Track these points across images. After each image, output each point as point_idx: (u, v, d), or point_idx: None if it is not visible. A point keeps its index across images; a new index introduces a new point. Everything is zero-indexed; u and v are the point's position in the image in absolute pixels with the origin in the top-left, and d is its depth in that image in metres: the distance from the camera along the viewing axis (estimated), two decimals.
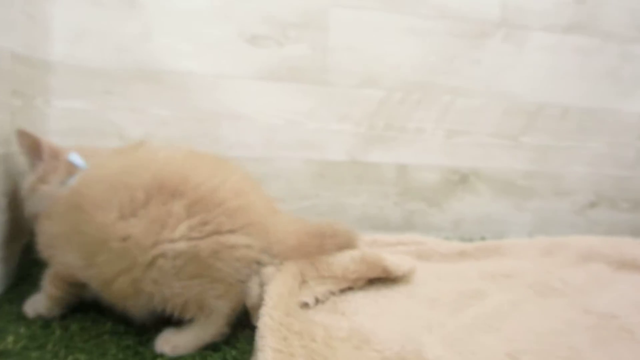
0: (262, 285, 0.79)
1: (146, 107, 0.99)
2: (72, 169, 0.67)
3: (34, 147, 0.69)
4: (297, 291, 0.60)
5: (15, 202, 0.74)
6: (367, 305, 0.64)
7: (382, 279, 0.72)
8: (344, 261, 0.67)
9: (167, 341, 0.57)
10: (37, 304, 0.64)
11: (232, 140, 1.03)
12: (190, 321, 0.59)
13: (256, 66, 1.02)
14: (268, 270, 0.83)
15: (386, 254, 0.69)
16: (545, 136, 1.18)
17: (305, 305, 0.63)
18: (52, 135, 0.93)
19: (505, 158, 1.17)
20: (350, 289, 0.69)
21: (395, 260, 0.69)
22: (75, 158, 0.68)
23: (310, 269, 0.64)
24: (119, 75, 0.97)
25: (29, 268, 0.77)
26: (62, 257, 0.61)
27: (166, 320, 0.59)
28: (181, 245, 0.55)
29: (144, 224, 0.55)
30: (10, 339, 0.57)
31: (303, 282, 0.63)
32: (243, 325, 0.62)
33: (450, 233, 1.14)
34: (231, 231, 0.57)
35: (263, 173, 1.04)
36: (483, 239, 1.09)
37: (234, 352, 0.57)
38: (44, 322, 0.62)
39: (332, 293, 0.66)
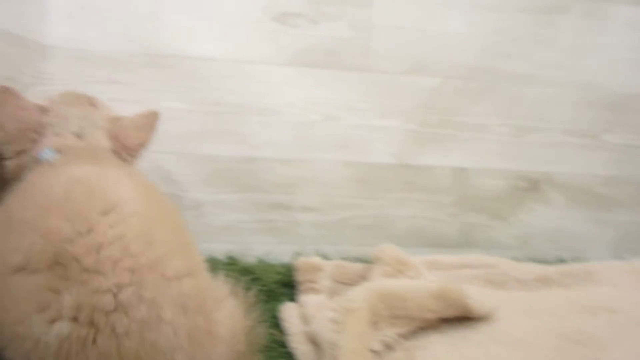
0: (306, 320, 0.70)
1: (156, 99, 0.88)
2: None
3: None
4: (370, 338, 0.51)
5: None
6: (447, 354, 0.53)
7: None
8: (421, 297, 0.56)
9: None
10: None
11: (258, 138, 0.91)
12: None
13: (286, 49, 0.91)
14: (314, 299, 0.74)
15: (467, 288, 0.58)
16: (632, 134, 1.05)
17: (374, 353, 0.52)
18: None
19: (583, 160, 1.04)
20: (422, 329, 0.58)
21: (478, 297, 0.58)
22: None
23: (382, 307, 0.54)
24: (124, 61, 0.86)
25: None
26: None
27: None
28: None
29: None
30: None
31: (373, 322, 0.53)
32: None
33: (517, 251, 1.01)
34: None
35: (294, 177, 0.93)
36: (562, 260, 0.96)
37: None
38: None
39: (403, 336, 0.55)
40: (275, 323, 0.73)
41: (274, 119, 0.91)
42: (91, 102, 0.64)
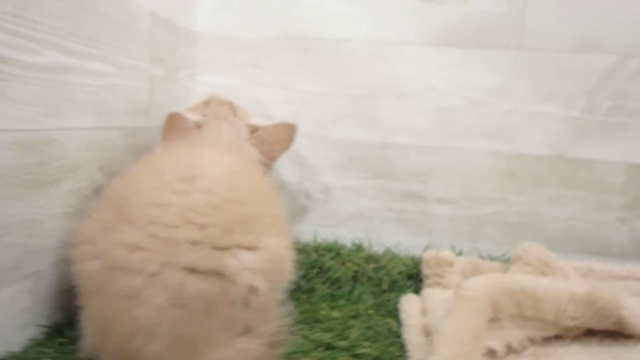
0: (425, 312, 0.73)
1: (294, 82, 0.97)
2: None
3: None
4: (484, 332, 0.51)
5: None
6: None
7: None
8: (561, 299, 0.54)
9: None
10: None
11: (394, 123, 0.95)
12: None
13: (429, 28, 0.93)
14: (438, 294, 0.76)
15: (626, 297, 0.54)
16: None
17: (491, 352, 0.53)
18: None
19: None
20: (559, 337, 0.56)
21: (637, 309, 0.54)
22: None
23: (508, 302, 0.54)
24: (264, 45, 0.97)
25: None
26: None
27: None
28: None
29: None
30: None
31: (494, 319, 0.53)
32: None
33: None
34: None
35: (432, 166, 0.95)
36: None
37: None
38: None
39: (532, 341, 0.54)
40: (393, 313, 0.76)
41: (413, 103, 0.94)
42: (232, 109, 0.76)
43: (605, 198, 0.91)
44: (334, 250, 0.89)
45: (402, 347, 0.67)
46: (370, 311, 0.77)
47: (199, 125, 0.74)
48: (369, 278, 0.85)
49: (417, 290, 0.82)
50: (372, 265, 0.86)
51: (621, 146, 0.90)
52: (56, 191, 0.63)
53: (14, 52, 0.54)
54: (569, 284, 0.65)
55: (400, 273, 0.86)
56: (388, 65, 0.93)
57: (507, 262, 0.84)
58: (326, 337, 0.67)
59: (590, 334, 0.56)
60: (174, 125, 0.72)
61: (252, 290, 0.53)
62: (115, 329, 0.50)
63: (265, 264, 0.54)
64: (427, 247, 0.93)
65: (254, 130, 0.75)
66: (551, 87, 0.90)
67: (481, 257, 0.89)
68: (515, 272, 0.79)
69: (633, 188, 0.90)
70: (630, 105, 0.89)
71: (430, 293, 0.78)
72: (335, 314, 0.74)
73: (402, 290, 0.83)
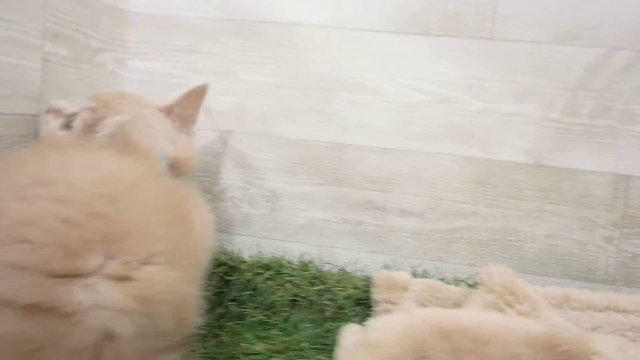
0: None
1: (238, 71, 0.83)
2: None
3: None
4: None
5: None
6: None
7: None
8: (512, 342, 0.45)
9: None
10: None
11: (351, 121, 0.82)
12: None
13: (391, 13, 0.80)
14: None
15: (602, 339, 0.42)
16: None
17: None
18: None
19: None
20: None
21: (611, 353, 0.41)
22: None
23: (440, 347, 0.44)
24: (205, 27, 0.84)
25: None
26: None
27: None
28: None
29: None
30: None
31: None
32: None
33: None
34: None
35: (393, 172, 0.81)
36: None
37: None
38: None
39: None
40: (332, 345, 0.62)
41: (372, 97, 0.81)
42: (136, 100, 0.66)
43: (590, 214, 0.78)
44: (273, 269, 0.74)
45: None
46: (304, 344, 0.64)
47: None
48: (311, 302, 0.71)
49: (365, 319, 0.67)
50: (316, 288, 0.71)
51: (608, 154, 0.77)
52: None
53: None
54: (525, 321, 0.52)
55: (348, 297, 0.73)
56: (344, 54, 0.81)
57: (473, 286, 0.70)
58: None
59: None
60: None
61: (108, 336, 0.38)
62: None
63: (135, 301, 0.40)
64: (385, 267, 0.78)
65: (168, 111, 0.66)
66: (528, 84, 0.78)
67: (446, 280, 0.75)
68: (476, 301, 0.66)
69: (621, 203, 0.78)
70: (618, 106, 0.77)
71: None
72: (259, 347, 0.59)
73: (348, 319, 0.68)
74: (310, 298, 0.71)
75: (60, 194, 0.41)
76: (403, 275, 0.71)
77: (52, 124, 0.62)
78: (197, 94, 0.70)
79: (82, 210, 0.41)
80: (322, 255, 0.82)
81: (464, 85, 0.79)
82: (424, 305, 0.69)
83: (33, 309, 0.36)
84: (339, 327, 0.64)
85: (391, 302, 0.68)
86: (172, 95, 0.68)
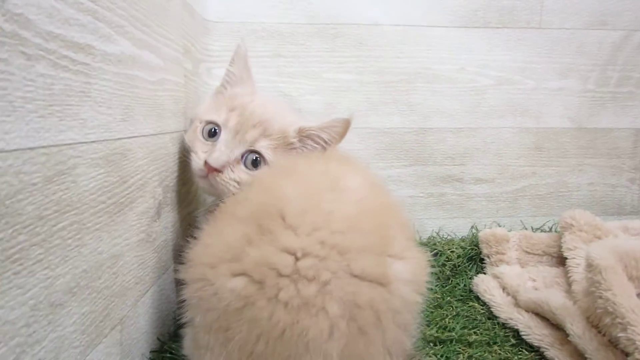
0: (508, 290, 0.68)
1: (322, 71, 0.85)
2: None
3: None
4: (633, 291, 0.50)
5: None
6: None
7: None
8: None
9: None
10: None
11: (428, 107, 0.87)
12: None
13: (455, 10, 0.86)
14: (509, 270, 0.71)
15: None
16: None
17: None
18: None
19: None
20: None
21: None
22: None
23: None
24: (288, 32, 0.84)
25: None
26: None
27: None
28: None
29: None
30: None
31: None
32: None
33: None
34: None
35: (466, 147, 0.89)
36: None
37: None
38: None
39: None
40: (468, 296, 0.71)
41: (445, 86, 0.87)
42: None
43: (618, 162, 0.92)
44: None
45: (504, 327, 0.63)
46: (447, 297, 0.70)
47: None
48: (432, 266, 0.77)
49: (478, 271, 0.77)
50: (430, 252, 0.78)
51: (629, 114, 0.90)
52: (132, 215, 0.47)
53: (92, 39, 0.38)
54: None
55: (459, 256, 0.79)
56: (418, 49, 0.85)
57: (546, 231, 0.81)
58: (431, 332, 0.60)
59: None
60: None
61: (407, 303, 0.45)
62: (277, 348, 0.40)
63: (416, 273, 0.46)
64: (470, 227, 0.87)
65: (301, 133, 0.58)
66: (569, 63, 0.88)
67: (524, 230, 0.85)
68: (573, 239, 0.76)
69: None
70: (636, 75, 0.90)
71: (501, 271, 0.74)
72: None
73: (466, 273, 0.77)
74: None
75: (351, 197, 0.46)
76: (502, 230, 0.78)
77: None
78: (338, 128, 0.57)
79: (370, 208, 0.46)
80: (416, 226, 0.88)
81: (518, 68, 0.87)
82: (525, 252, 0.79)
83: (375, 282, 0.42)
84: (463, 281, 0.74)
85: (501, 253, 0.76)
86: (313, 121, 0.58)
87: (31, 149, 0.30)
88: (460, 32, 0.85)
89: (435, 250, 0.79)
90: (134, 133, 0.47)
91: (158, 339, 0.55)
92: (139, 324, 0.49)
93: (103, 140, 0.40)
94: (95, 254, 0.39)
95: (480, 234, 0.79)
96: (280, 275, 0.40)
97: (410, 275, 0.45)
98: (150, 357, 0.51)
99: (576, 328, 0.54)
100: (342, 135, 0.57)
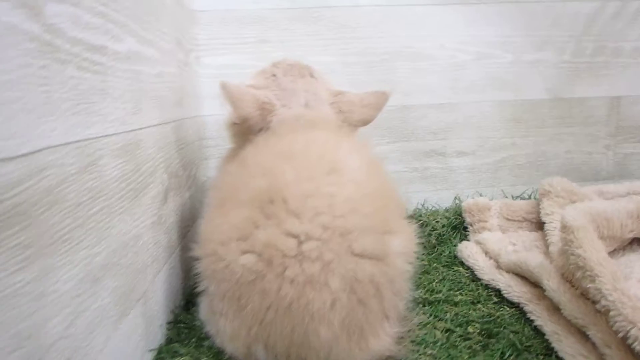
0: (490, 254, 0.76)
1: (306, 54, 0.91)
2: None
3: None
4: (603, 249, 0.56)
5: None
6: None
7: None
8: (622, 217, 0.63)
9: None
10: None
11: (410, 85, 0.94)
12: None
13: None
14: (491, 236, 0.79)
15: None
16: None
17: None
18: (204, 100, 0.88)
19: None
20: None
21: None
22: None
23: (594, 226, 0.60)
24: (270, 17, 0.89)
25: None
26: None
27: None
28: None
29: None
30: None
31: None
32: None
33: None
34: None
35: (448, 122, 0.96)
36: None
37: None
38: None
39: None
40: (453, 262, 0.79)
41: (426, 63, 0.94)
42: (310, 72, 0.66)
43: (594, 130, 1.00)
44: None
45: (487, 288, 0.70)
46: (433, 264, 0.78)
47: (266, 87, 0.64)
48: (419, 236, 0.85)
49: (462, 239, 0.85)
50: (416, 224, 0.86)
51: (604, 82, 0.98)
52: (146, 199, 0.53)
53: (105, 40, 0.44)
54: (620, 202, 0.72)
55: (444, 226, 0.87)
56: (399, 28, 0.91)
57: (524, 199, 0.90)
58: (420, 294, 0.67)
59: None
60: (241, 93, 0.60)
61: (401, 273, 0.52)
62: (285, 317, 0.46)
63: (407, 246, 0.53)
64: (454, 199, 0.95)
65: (338, 94, 0.65)
66: (545, 35, 0.95)
67: (505, 198, 0.93)
68: (550, 205, 0.84)
69: (614, 118, 1.00)
70: (610, 45, 0.97)
71: (484, 237, 0.81)
72: None
73: (450, 242, 0.85)
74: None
75: (351, 178, 0.51)
76: (484, 200, 0.85)
77: None
78: (375, 96, 0.65)
79: (369, 187, 0.51)
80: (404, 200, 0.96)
81: (497, 42, 0.94)
82: (506, 219, 0.88)
83: (375, 258, 0.48)
84: (447, 248, 0.82)
85: (483, 221, 0.83)
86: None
87: (69, 143, 0.36)
88: (439, 9, 0.92)
89: (422, 221, 0.86)
90: (144, 124, 0.53)
91: (172, 311, 0.62)
92: (157, 298, 0.56)
93: (121, 133, 0.46)
94: (122, 234, 0.45)
95: (463, 204, 0.87)
96: (285, 256, 0.46)
97: (403, 247, 0.52)
98: (167, 328, 0.58)
99: (552, 283, 0.61)
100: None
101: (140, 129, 0.52)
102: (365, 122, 0.65)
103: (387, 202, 0.53)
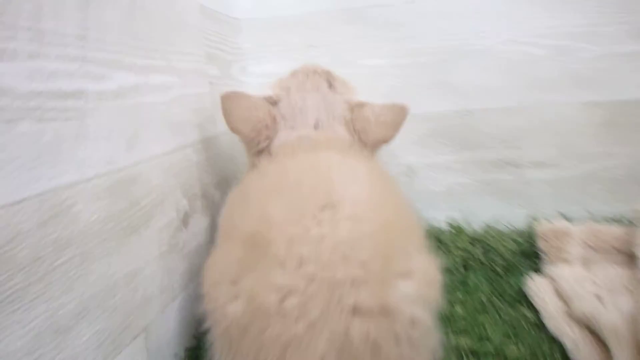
0: (563, 296, 0.64)
1: (357, 57, 0.85)
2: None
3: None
4: None
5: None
6: None
7: None
8: None
9: None
10: None
11: (474, 86, 0.84)
12: None
13: None
14: (569, 272, 0.67)
15: None
16: None
17: None
18: None
19: None
20: None
21: None
22: None
23: None
24: (316, 21, 0.85)
25: None
26: None
27: None
28: None
29: None
30: None
31: None
32: None
33: None
34: None
35: (521, 128, 0.84)
36: None
37: None
38: None
39: None
40: (517, 299, 0.68)
41: (491, 60, 0.82)
42: (329, 80, 0.61)
43: None
44: (432, 236, 0.79)
45: (552, 340, 0.59)
46: (495, 300, 0.68)
47: (275, 102, 0.61)
48: (481, 263, 0.76)
49: (536, 270, 0.73)
50: (480, 248, 0.77)
51: None
52: (149, 232, 0.53)
53: (84, 82, 0.43)
54: None
55: (513, 252, 0.76)
56: (459, 23, 0.81)
57: (622, 222, 0.75)
58: (467, 342, 0.59)
59: None
60: (236, 109, 0.59)
61: (413, 322, 0.44)
62: None
63: (422, 288, 0.45)
64: (531, 218, 0.83)
65: (358, 106, 0.60)
66: None
67: (594, 221, 0.79)
68: None
69: None
70: None
71: (559, 272, 0.69)
72: (459, 310, 0.65)
73: (519, 272, 0.73)
74: (479, 258, 0.76)
75: (349, 213, 0.45)
76: (564, 224, 0.73)
77: None
78: (393, 111, 0.61)
79: (372, 222, 0.45)
80: (467, 217, 0.86)
81: (581, 33, 0.79)
82: (591, 248, 0.74)
83: (373, 311, 0.41)
84: (516, 280, 0.70)
85: (561, 250, 0.71)
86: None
87: (19, 201, 0.36)
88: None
89: (486, 245, 0.77)
90: (144, 157, 0.52)
91: (194, 336, 0.62)
92: (168, 327, 0.56)
93: (105, 174, 0.46)
94: (105, 277, 0.45)
95: (537, 227, 0.75)
96: (268, 312, 0.42)
97: (417, 291, 0.45)
98: (184, 355, 0.58)
99: (621, 355, 0.50)
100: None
101: (138, 163, 0.51)
102: (382, 142, 0.60)
103: (394, 236, 0.46)
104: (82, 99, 0.43)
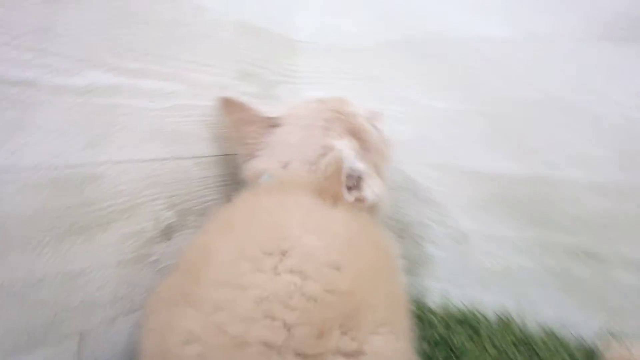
0: None
1: (418, 96, 0.76)
2: None
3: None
4: None
5: None
6: None
7: None
8: None
9: None
10: None
11: (555, 151, 0.67)
12: None
13: (599, 16, 0.64)
14: None
15: None
16: None
17: None
18: None
19: None
20: None
21: None
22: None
23: None
24: (380, 52, 0.78)
25: None
26: None
27: None
28: None
29: None
30: None
31: None
32: None
33: None
34: None
35: (613, 212, 0.65)
36: None
37: None
38: None
39: None
40: None
41: (585, 121, 0.66)
42: (349, 125, 0.56)
43: None
44: (469, 324, 0.65)
45: None
46: None
47: (272, 124, 0.59)
48: None
49: None
50: (524, 354, 0.60)
51: None
52: (106, 236, 0.52)
53: (39, 73, 0.44)
54: None
55: None
56: (544, 69, 0.67)
57: None
58: None
59: None
60: (230, 112, 0.61)
61: None
62: None
63: None
64: (609, 333, 0.63)
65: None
66: None
67: None
68: None
69: None
70: None
71: None
72: None
73: None
74: None
75: (295, 266, 0.39)
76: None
77: None
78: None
79: (320, 285, 0.39)
80: (522, 310, 0.69)
81: None
82: None
83: None
84: None
85: None
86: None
87: None
88: (609, 47, 0.63)
89: (532, 354, 0.60)
90: (110, 159, 0.52)
91: None
92: (115, 340, 0.54)
93: (47, 167, 0.46)
94: (34, 270, 0.45)
95: (602, 346, 0.57)
96: (168, 353, 0.38)
97: None
98: None
99: None
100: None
101: (100, 164, 0.51)
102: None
103: (352, 307, 0.38)
104: (35, 88, 0.44)
